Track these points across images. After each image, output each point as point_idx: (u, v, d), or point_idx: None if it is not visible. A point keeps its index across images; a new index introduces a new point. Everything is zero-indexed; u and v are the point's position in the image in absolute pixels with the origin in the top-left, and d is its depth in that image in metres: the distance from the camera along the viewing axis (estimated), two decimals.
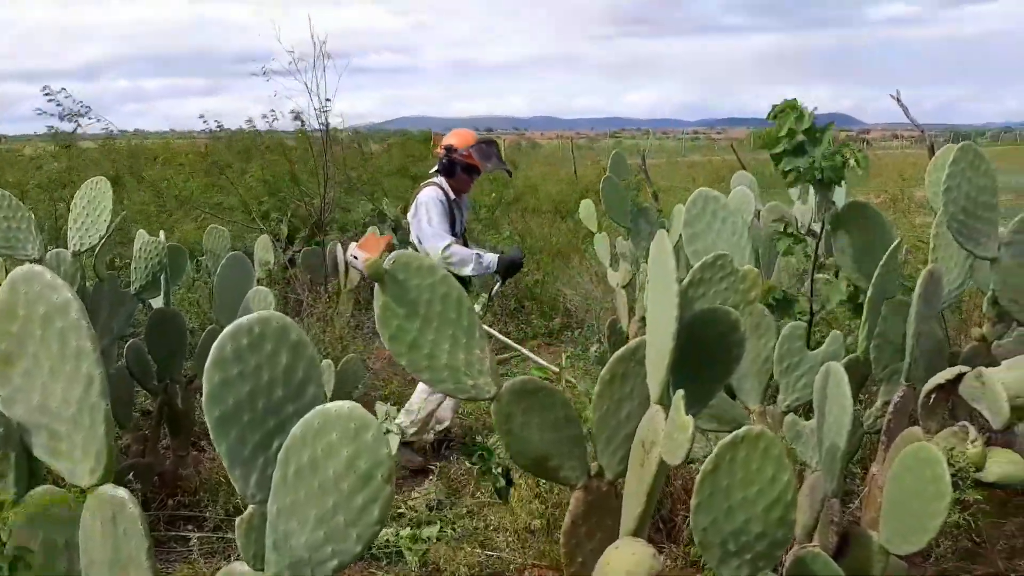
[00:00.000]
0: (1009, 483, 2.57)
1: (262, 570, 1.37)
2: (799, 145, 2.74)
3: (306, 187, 7.08)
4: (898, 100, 8.01)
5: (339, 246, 5.87)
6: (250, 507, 1.40)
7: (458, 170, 4.23)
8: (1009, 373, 2.37)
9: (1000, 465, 2.53)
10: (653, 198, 9.16)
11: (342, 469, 1.27)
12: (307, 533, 1.31)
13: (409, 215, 4.29)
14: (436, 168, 4.31)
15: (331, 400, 3.76)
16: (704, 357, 1.88)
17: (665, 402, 1.74)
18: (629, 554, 1.64)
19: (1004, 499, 3.17)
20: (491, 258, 4.09)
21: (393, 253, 1.82)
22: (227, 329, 1.35)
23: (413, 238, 4.23)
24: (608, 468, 2.02)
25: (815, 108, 2.84)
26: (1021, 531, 2.95)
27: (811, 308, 3.02)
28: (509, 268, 4.13)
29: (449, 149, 4.22)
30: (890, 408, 2.70)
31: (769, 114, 2.77)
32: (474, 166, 4.23)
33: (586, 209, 5.39)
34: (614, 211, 4.80)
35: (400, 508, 3.68)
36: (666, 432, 1.62)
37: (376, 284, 1.84)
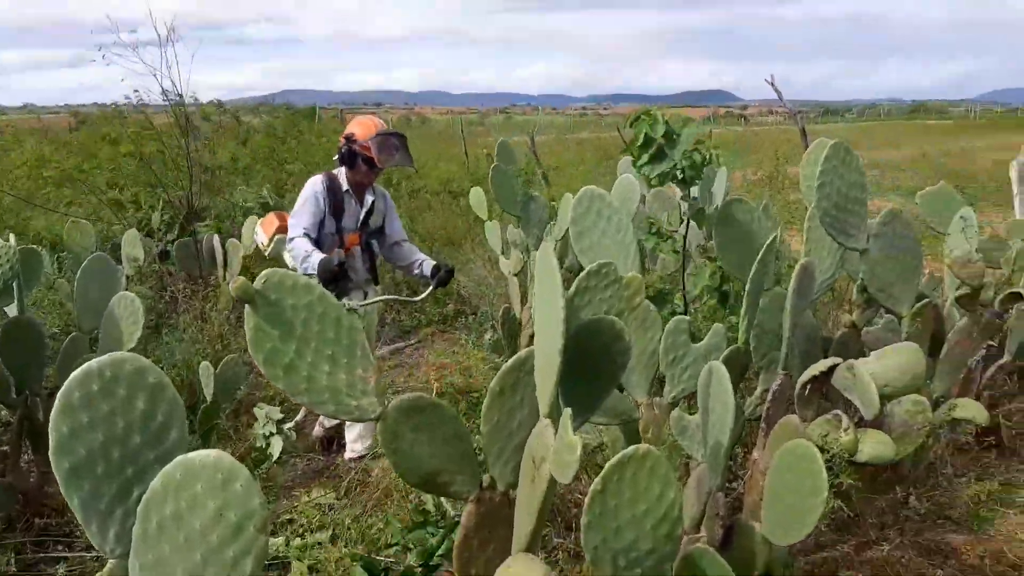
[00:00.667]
0: (879, 462, 2.72)
1: None
2: (658, 150, 2.82)
3: (177, 171, 6.68)
4: (772, 84, 8.33)
5: (215, 237, 5.58)
6: (110, 562, 1.29)
7: (359, 161, 3.99)
8: (878, 363, 2.50)
9: (871, 445, 2.66)
10: (543, 179, 9.22)
11: (209, 521, 1.18)
12: None
13: None
14: (336, 156, 4.09)
15: (210, 404, 3.57)
16: (591, 366, 1.87)
17: (554, 416, 1.72)
18: (520, 570, 1.62)
19: (874, 474, 3.37)
20: (313, 261, 3.75)
21: (263, 272, 1.71)
22: (74, 374, 1.22)
23: None
24: (500, 479, 1.99)
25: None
26: (891, 507, 3.14)
27: (685, 300, 3.10)
28: (323, 274, 3.67)
29: (349, 139, 3.99)
30: (768, 396, 2.80)
31: (627, 121, 2.84)
32: (371, 159, 4.01)
33: (476, 197, 5.35)
34: (504, 200, 4.78)
35: (290, 514, 3.56)
36: (555, 449, 1.60)
37: (247, 306, 1.72)
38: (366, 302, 4.08)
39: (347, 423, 4.10)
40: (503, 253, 5.25)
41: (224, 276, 5.53)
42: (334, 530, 3.41)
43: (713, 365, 2.23)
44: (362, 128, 4.01)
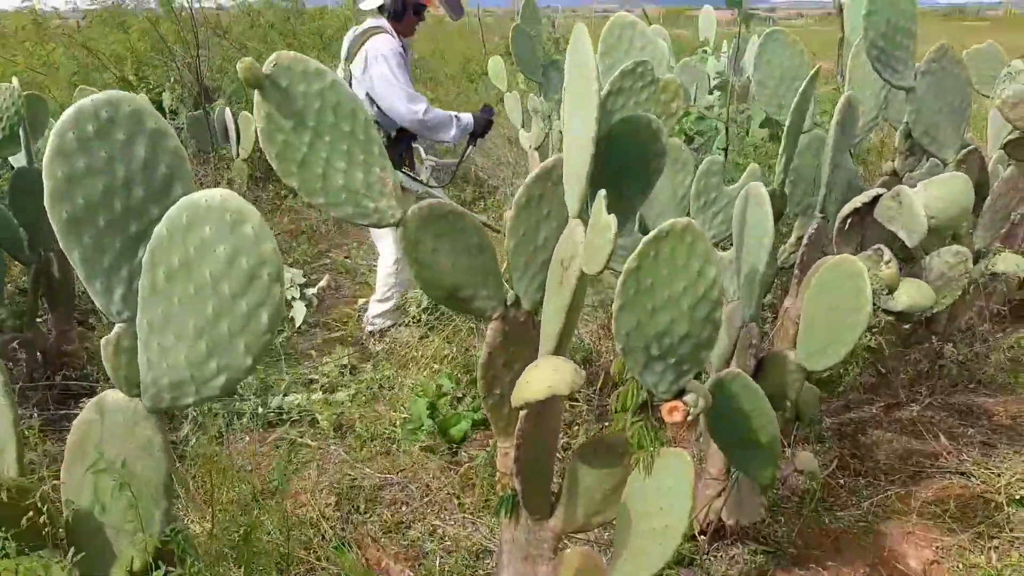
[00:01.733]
0: (916, 310, 2.61)
1: (138, 395, 1.20)
2: None
3: (185, 52, 6.46)
4: None
5: (227, 110, 5.41)
6: (117, 326, 1.21)
7: (409, 11, 3.67)
8: (925, 193, 2.36)
9: (909, 294, 2.56)
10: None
11: (221, 269, 1.09)
12: (186, 348, 1.14)
13: (356, 70, 3.62)
14: (379, 5, 3.68)
15: None
16: (624, 170, 1.74)
17: (584, 216, 1.61)
18: (550, 370, 1.54)
19: (908, 334, 3.28)
20: (468, 118, 3.74)
21: (273, 55, 1.57)
22: (66, 113, 1.11)
23: (360, 94, 3.64)
24: (525, 297, 1.90)
25: None
26: (925, 356, 3.05)
27: (727, 132, 2.94)
28: (486, 127, 3.85)
29: None
30: (804, 241, 2.68)
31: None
32: (424, 4, 3.68)
33: (495, 66, 5.12)
34: (525, 64, 4.55)
35: (312, 375, 3.54)
36: (586, 240, 1.50)
37: (257, 93, 1.60)
38: (418, 179, 3.89)
39: (372, 299, 4.03)
40: (523, 126, 5.07)
41: (238, 152, 5.40)
42: (356, 390, 3.39)
43: (751, 186, 2.10)
44: None
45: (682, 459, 1.48)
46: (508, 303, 1.91)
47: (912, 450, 3.04)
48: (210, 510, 2.38)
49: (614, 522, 1.78)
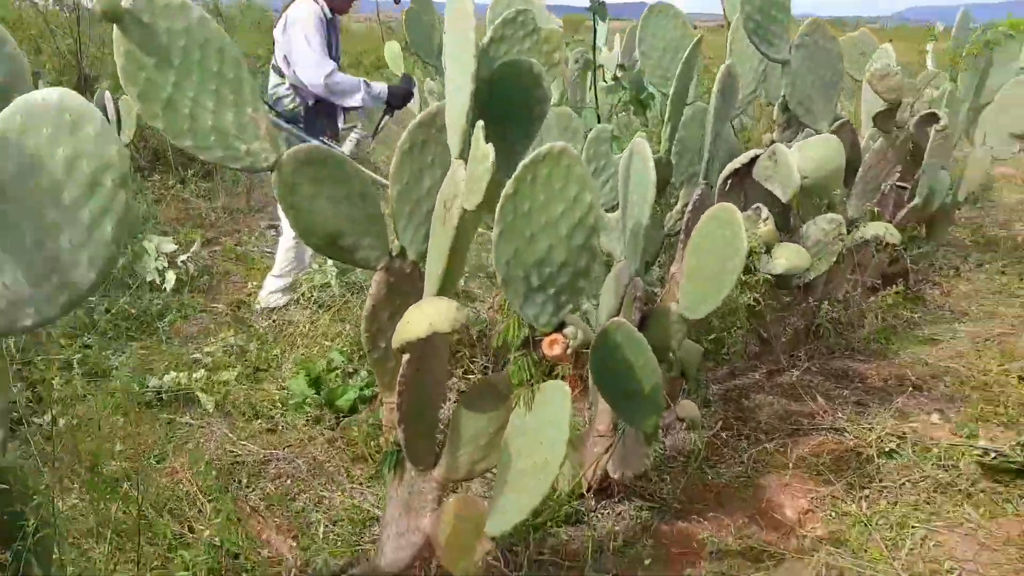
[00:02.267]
0: (794, 272, 2.73)
1: None
2: None
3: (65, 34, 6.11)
4: None
5: (107, 94, 5.13)
6: None
7: None
8: (799, 155, 2.47)
9: (788, 257, 2.67)
10: None
11: (60, 175, 1.02)
12: (23, 265, 1.05)
13: (277, 32, 3.70)
14: None
15: None
16: (507, 116, 1.74)
17: (466, 156, 1.60)
18: (431, 309, 1.52)
19: (788, 303, 3.43)
20: (381, 87, 3.72)
21: None
22: None
23: (279, 59, 3.67)
24: (411, 247, 1.87)
25: None
26: (802, 316, 3.19)
27: (598, 116, 3.01)
28: (404, 98, 3.81)
29: None
30: (688, 207, 2.76)
31: None
32: None
33: (392, 51, 5.04)
34: (420, 47, 4.49)
35: (196, 355, 3.39)
36: (467, 175, 1.49)
37: (116, 28, 1.51)
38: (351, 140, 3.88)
39: (269, 275, 3.93)
40: (420, 109, 5.02)
41: (120, 134, 5.11)
42: (242, 369, 3.27)
43: (635, 142, 2.14)
44: None
45: (560, 390, 1.49)
46: (393, 253, 1.87)
47: (791, 411, 3.17)
48: (76, 487, 2.24)
49: None
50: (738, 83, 2.78)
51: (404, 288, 1.90)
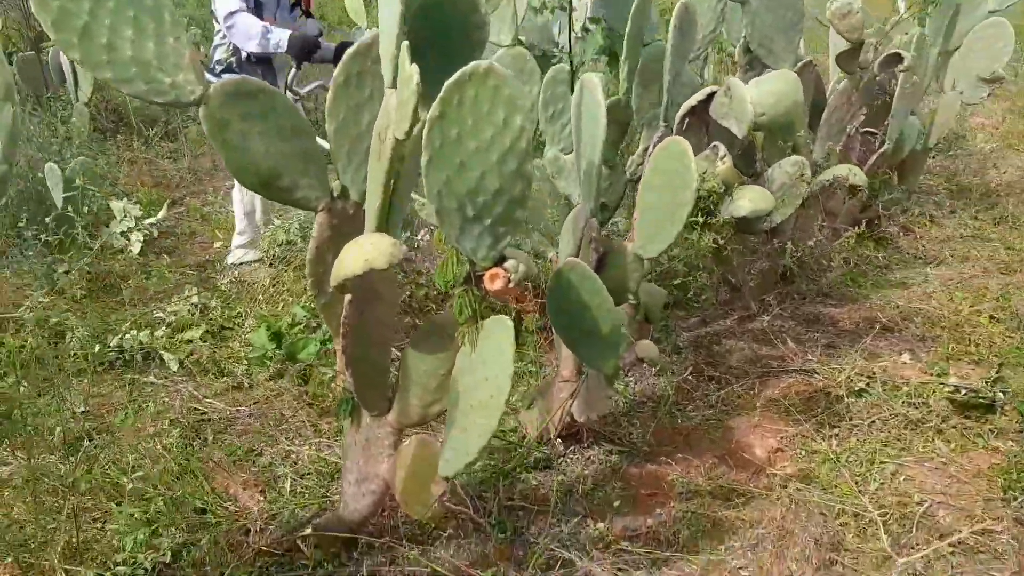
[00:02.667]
0: (758, 214, 2.69)
1: None
2: None
3: None
4: None
5: (60, 52, 5.00)
6: None
7: None
8: (755, 89, 2.41)
9: (752, 199, 2.63)
10: None
11: None
12: None
13: None
14: None
15: (61, 211, 3.25)
16: (446, 44, 1.67)
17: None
18: (368, 245, 1.47)
19: (755, 248, 3.39)
20: (279, 36, 3.26)
21: None
22: None
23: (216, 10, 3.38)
24: (352, 187, 1.81)
25: None
26: (767, 256, 3.15)
27: (572, 64, 2.93)
28: (303, 48, 3.27)
29: None
30: (649, 151, 2.71)
31: None
32: None
33: (351, 2, 4.91)
34: None
35: (158, 314, 3.33)
36: (397, 102, 1.43)
37: None
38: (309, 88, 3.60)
39: (237, 230, 3.82)
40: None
41: (77, 96, 4.99)
42: (207, 327, 3.22)
43: (585, 78, 2.08)
44: None
45: (503, 324, 1.45)
46: (335, 194, 1.82)
47: (761, 355, 3.16)
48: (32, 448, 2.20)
49: None
50: (695, 18, 2.71)
51: (348, 230, 1.84)
